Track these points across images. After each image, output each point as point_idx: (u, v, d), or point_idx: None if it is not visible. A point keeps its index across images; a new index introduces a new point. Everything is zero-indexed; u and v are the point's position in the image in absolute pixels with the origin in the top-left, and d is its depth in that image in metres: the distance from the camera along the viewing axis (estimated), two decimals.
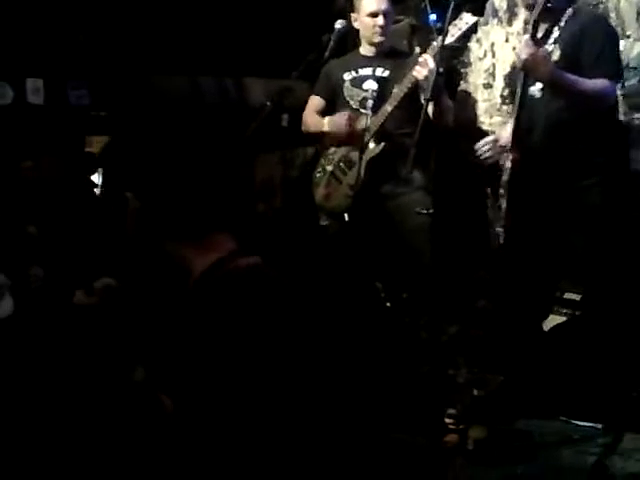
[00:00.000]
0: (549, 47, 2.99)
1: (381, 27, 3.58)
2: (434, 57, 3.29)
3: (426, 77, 3.28)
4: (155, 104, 4.02)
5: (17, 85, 3.82)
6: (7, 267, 3.28)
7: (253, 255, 1.88)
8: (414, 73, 3.38)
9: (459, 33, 3.42)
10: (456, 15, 3.30)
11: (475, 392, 2.87)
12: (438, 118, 3.40)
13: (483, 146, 3.25)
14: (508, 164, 2.95)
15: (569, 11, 3.03)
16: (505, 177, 2.97)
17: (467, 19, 3.41)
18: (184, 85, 4.12)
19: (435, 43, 3.35)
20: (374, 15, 3.57)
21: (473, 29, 3.78)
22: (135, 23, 4.15)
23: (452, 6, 3.17)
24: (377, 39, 3.62)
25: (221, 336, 1.72)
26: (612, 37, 3.08)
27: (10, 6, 3.82)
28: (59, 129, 3.88)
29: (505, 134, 3.09)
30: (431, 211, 3.39)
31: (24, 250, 3.48)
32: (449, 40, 3.39)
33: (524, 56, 2.87)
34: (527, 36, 2.93)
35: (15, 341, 3.08)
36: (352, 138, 3.59)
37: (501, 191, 3.00)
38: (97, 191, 4.43)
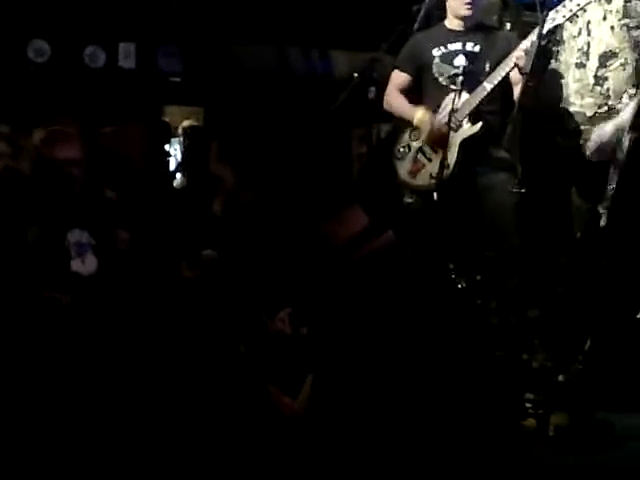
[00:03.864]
0: None
1: (469, 1, 3.48)
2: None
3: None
4: (242, 74, 4.02)
5: (109, 49, 3.88)
6: (91, 227, 3.36)
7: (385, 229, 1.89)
8: (515, 59, 3.27)
9: (569, 14, 3.31)
10: None
11: (560, 378, 2.81)
12: (526, 97, 3.28)
13: None
14: (626, 143, 2.83)
15: None
16: (621, 156, 2.85)
17: (578, 0, 3.29)
18: (271, 55, 4.10)
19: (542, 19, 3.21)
20: None
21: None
22: None
23: None
24: (465, 12, 3.52)
25: (366, 310, 1.73)
26: None
27: None
28: (148, 95, 3.93)
29: (627, 114, 2.95)
30: (522, 190, 3.30)
31: (106, 212, 3.55)
32: (559, 21, 3.30)
33: None
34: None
35: (100, 299, 3.18)
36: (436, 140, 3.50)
37: (612, 169, 2.89)
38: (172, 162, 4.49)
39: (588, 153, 3.03)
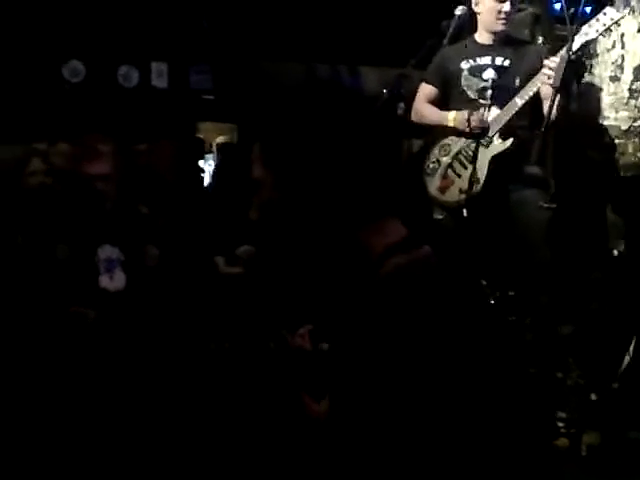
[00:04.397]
0: None
1: (507, 14, 3.46)
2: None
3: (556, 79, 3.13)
4: (272, 90, 4.06)
5: (142, 68, 3.95)
6: (122, 243, 3.41)
7: (422, 243, 1.89)
8: (545, 74, 3.24)
9: (603, 28, 3.27)
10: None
11: (593, 397, 2.76)
12: (556, 111, 3.24)
13: None
14: None
15: None
16: None
17: (612, 14, 3.25)
18: (300, 71, 4.13)
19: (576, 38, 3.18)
20: (501, 0, 3.45)
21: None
22: (255, 11, 4.20)
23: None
24: (499, 27, 3.50)
25: (398, 319, 1.73)
26: None
27: None
28: (180, 113, 3.98)
29: None
30: (554, 206, 3.25)
31: (138, 228, 3.60)
32: (592, 36, 3.25)
33: None
34: None
35: (126, 315, 3.21)
36: (476, 135, 3.48)
37: None
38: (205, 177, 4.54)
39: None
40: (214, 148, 4.53)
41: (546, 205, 3.23)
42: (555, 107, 3.14)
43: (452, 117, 3.55)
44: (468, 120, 3.45)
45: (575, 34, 3.13)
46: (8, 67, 3.80)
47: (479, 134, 3.42)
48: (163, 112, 4.00)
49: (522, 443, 2.65)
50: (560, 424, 2.74)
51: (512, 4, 3.47)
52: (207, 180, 4.63)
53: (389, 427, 1.75)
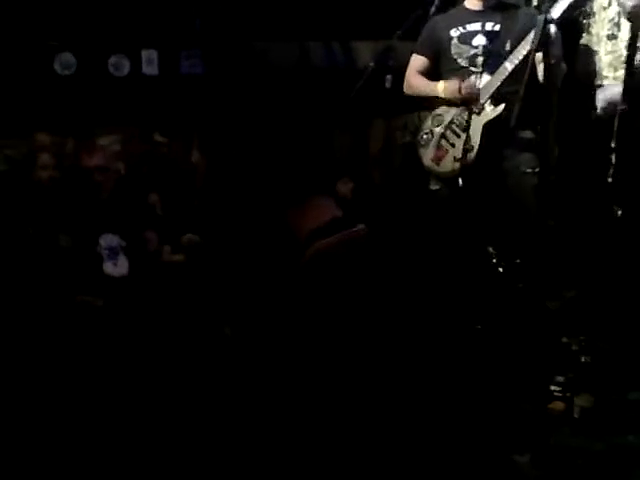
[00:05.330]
0: None
1: None
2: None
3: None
4: (264, 69, 4.05)
5: (133, 57, 3.98)
6: (123, 230, 3.47)
7: (357, 223, 1.88)
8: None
9: None
10: None
11: (583, 359, 2.73)
12: (546, 74, 3.19)
13: None
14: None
15: None
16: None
17: None
18: (293, 50, 4.12)
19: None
20: None
21: None
22: None
23: None
24: None
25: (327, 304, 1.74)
26: None
27: None
28: (172, 98, 4.01)
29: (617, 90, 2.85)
30: (537, 170, 3.21)
31: (141, 216, 3.66)
32: None
33: (630, 4, 2.63)
34: None
35: (130, 300, 3.27)
36: (468, 103, 3.45)
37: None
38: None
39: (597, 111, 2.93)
40: None
41: (530, 170, 3.18)
42: (539, 69, 3.09)
43: (442, 87, 3.52)
44: (459, 89, 3.42)
45: None
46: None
47: (470, 102, 3.39)
48: (156, 99, 4.03)
49: (518, 406, 2.65)
50: (556, 388, 2.71)
51: None
52: None
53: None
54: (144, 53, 4.00)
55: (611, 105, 2.88)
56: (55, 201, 3.75)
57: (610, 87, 2.95)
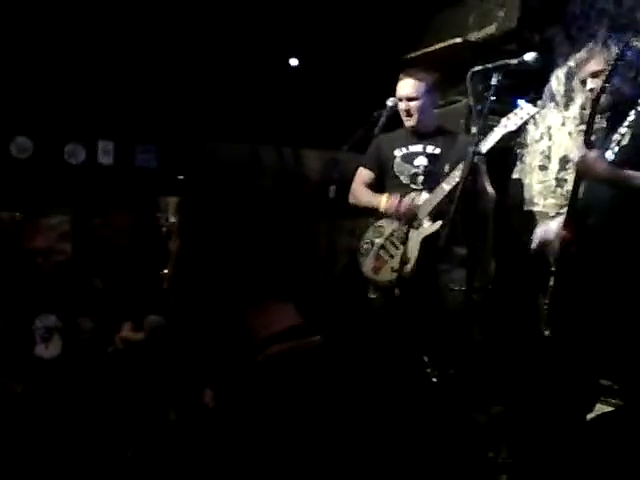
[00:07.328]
0: (622, 129, 2.88)
1: (404, 111, 3.69)
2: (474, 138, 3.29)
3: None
4: (218, 169, 4.20)
5: (89, 146, 4.09)
6: (60, 311, 3.46)
7: (315, 334, 1.95)
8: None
9: (520, 122, 3.45)
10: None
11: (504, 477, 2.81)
12: (475, 200, 3.41)
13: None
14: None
15: None
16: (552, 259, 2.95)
17: (528, 109, 3.43)
18: (244, 152, 4.30)
19: (473, 129, 3.36)
20: (400, 99, 3.70)
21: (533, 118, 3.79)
22: (202, 93, 4.39)
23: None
24: (408, 123, 3.72)
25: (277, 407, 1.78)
26: None
27: (85, 73, 4.13)
28: (127, 188, 4.11)
29: (554, 226, 3.06)
30: (463, 288, 3.38)
31: (81, 298, 3.66)
32: (510, 128, 3.42)
33: (576, 159, 2.87)
34: (580, 139, 2.89)
35: (59, 384, 3.23)
36: (406, 218, 3.64)
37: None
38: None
39: (532, 246, 3.12)
40: None
41: (456, 288, 3.34)
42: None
43: (383, 202, 3.71)
44: (398, 205, 3.62)
45: (482, 130, 3.27)
46: None
47: (408, 218, 3.58)
48: (111, 187, 4.12)
49: None
50: None
51: (410, 102, 3.66)
52: None
53: None
54: (101, 143, 4.12)
55: (545, 242, 3.08)
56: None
57: (546, 224, 3.16)
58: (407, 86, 3.68)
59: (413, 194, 3.64)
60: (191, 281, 2.30)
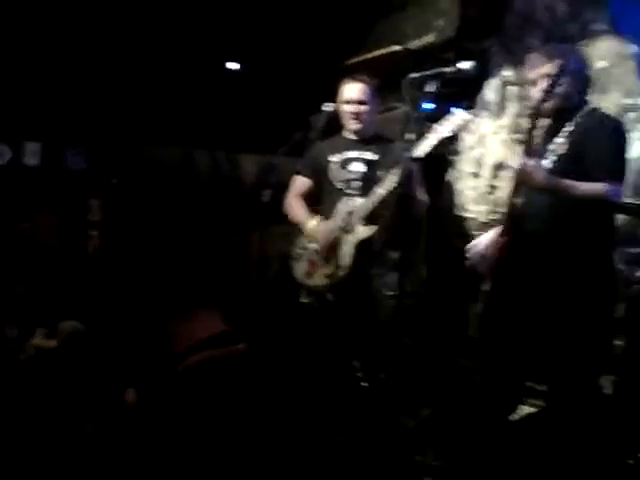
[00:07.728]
0: (559, 139, 2.92)
1: (353, 115, 3.68)
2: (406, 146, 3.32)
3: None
4: (149, 172, 4.13)
5: (15, 147, 3.97)
6: None
7: (239, 341, 1.91)
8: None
9: (452, 128, 3.46)
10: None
11: None
12: (409, 205, 3.44)
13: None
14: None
15: (587, 108, 2.95)
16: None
17: (461, 116, 3.44)
18: (177, 155, 4.24)
19: (408, 135, 3.38)
20: (348, 102, 3.68)
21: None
22: (135, 96, 4.32)
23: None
24: (353, 126, 3.71)
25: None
26: (618, 138, 2.91)
27: (14, 72, 4.01)
28: (54, 190, 4.00)
29: (485, 240, 3.09)
30: (396, 293, 3.40)
31: (4, 307, 3.54)
32: (443, 134, 3.43)
33: (515, 167, 2.90)
34: (518, 147, 2.93)
35: None
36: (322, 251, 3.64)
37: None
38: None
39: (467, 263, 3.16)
40: None
41: (390, 294, 3.36)
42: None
43: (310, 228, 3.70)
44: (320, 235, 3.62)
45: (418, 136, 3.28)
46: None
47: (324, 250, 3.59)
48: (37, 189, 4.00)
49: None
50: None
51: (360, 105, 3.66)
52: None
53: None
54: (28, 145, 4.00)
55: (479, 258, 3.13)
56: None
57: (478, 240, 3.22)
58: (356, 90, 3.67)
59: (345, 199, 3.65)
60: (111, 284, 2.24)
